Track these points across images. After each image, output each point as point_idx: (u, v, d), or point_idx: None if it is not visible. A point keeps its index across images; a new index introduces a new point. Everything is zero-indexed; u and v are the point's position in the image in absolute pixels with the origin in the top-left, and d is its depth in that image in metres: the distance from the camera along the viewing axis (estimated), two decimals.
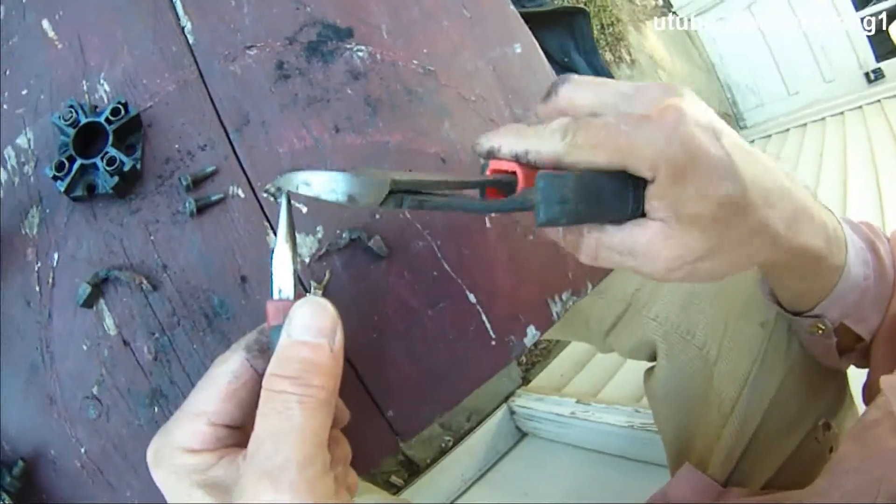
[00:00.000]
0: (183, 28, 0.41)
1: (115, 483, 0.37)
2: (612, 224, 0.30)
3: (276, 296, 0.28)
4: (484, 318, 0.41)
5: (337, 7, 0.43)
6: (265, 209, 0.39)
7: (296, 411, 0.25)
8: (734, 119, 2.79)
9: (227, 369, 0.29)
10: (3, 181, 0.39)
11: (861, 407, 0.52)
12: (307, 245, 0.39)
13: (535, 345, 1.44)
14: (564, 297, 0.44)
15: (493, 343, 0.41)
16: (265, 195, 0.39)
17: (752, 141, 2.63)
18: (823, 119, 2.34)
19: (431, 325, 0.40)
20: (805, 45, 2.31)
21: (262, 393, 0.26)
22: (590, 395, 1.15)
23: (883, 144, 1.77)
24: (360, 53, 0.43)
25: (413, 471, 1.23)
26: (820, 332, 0.44)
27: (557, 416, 1.12)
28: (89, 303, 0.37)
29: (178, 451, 0.28)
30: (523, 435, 1.26)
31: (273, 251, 0.28)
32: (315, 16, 0.43)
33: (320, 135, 0.40)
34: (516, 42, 0.47)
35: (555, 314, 0.43)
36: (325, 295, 0.38)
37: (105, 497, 0.37)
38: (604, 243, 0.31)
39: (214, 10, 0.42)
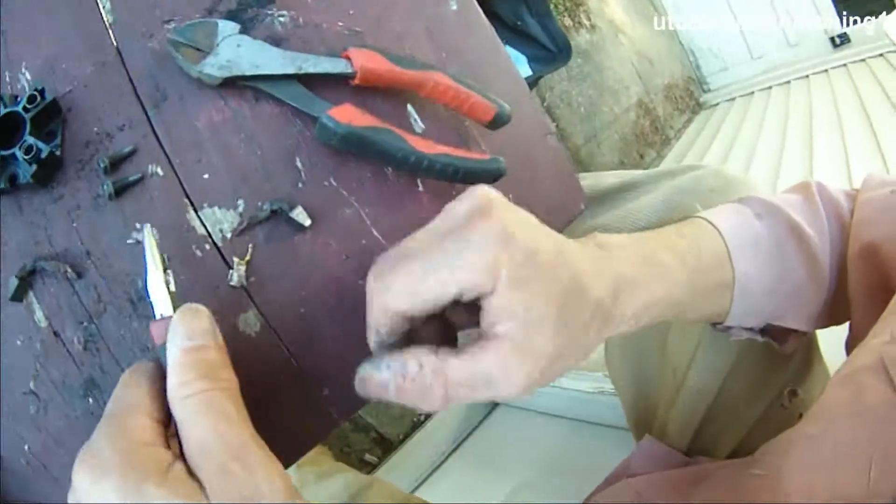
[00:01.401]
0: (102, 7, 0.41)
1: (60, 477, 0.37)
2: (449, 356, 0.28)
3: (157, 318, 0.29)
4: None
5: None
6: (184, 185, 0.38)
7: (221, 402, 0.26)
8: (697, 82, 2.81)
9: (145, 372, 0.29)
10: None
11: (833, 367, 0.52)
12: (228, 220, 0.38)
13: None
14: None
15: None
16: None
17: (717, 104, 2.67)
18: (788, 83, 2.35)
19: (363, 297, 0.38)
20: (770, 8, 2.31)
21: (177, 406, 0.26)
22: None
23: (849, 107, 1.77)
24: (282, 19, 0.42)
25: (386, 448, 1.26)
26: (744, 336, 0.45)
27: None
28: (18, 296, 0.37)
29: (138, 447, 0.25)
30: (495, 405, 1.30)
31: (146, 279, 0.30)
32: None
33: (238, 106, 0.40)
34: (452, 0, 0.45)
35: None
36: (248, 270, 0.38)
37: (52, 492, 0.37)
38: (451, 381, 0.28)
39: None
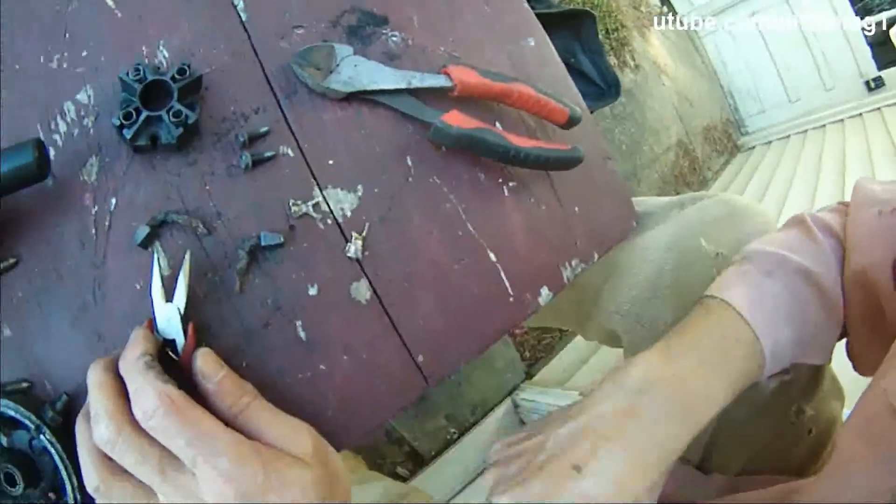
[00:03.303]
0: (236, 6, 0.48)
1: None
2: None
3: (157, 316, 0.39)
4: (503, 275, 0.49)
5: None
6: (311, 167, 0.46)
7: (259, 406, 0.37)
8: (736, 125, 2.96)
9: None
10: (62, 132, 0.44)
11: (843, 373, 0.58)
12: (348, 200, 0.46)
13: (539, 341, 1.57)
14: (574, 263, 0.52)
15: (511, 299, 0.49)
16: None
17: (754, 147, 2.80)
18: (824, 126, 2.50)
19: (457, 279, 0.47)
20: (807, 52, 2.48)
21: (238, 422, 0.35)
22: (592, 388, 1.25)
23: (882, 151, 1.89)
24: (395, 38, 0.51)
25: (418, 462, 1.30)
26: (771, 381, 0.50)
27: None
28: (146, 244, 0.42)
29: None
30: (524, 424, 1.35)
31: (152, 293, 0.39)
32: (355, 3, 0.51)
33: (360, 107, 0.48)
34: (530, 36, 0.57)
35: (566, 278, 0.51)
36: (363, 246, 0.45)
37: None
38: None
39: None
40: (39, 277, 0.42)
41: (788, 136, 2.68)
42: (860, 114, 2.40)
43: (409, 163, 0.48)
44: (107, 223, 0.43)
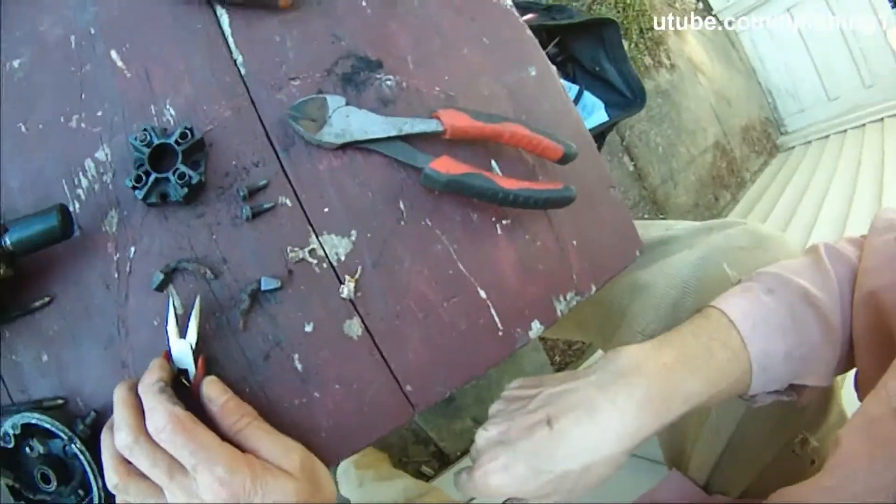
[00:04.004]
0: (235, 61, 0.52)
1: None
2: None
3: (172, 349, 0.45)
4: (493, 311, 0.52)
5: (368, 41, 0.54)
6: (308, 215, 0.50)
7: (257, 426, 0.43)
8: (775, 124, 2.88)
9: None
10: (84, 187, 0.50)
11: (851, 405, 0.58)
12: (342, 245, 0.50)
13: (570, 346, 1.60)
14: (569, 296, 0.55)
15: (501, 334, 0.52)
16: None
17: (793, 147, 2.73)
18: (863, 125, 2.44)
19: (446, 316, 0.51)
20: (845, 49, 2.41)
21: (240, 438, 0.42)
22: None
23: None
24: (389, 82, 0.54)
25: (443, 462, 1.37)
26: (769, 400, 0.51)
27: None
28: (161, 287, 0.47)
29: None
30: None
31: (167, 330, 0.45)
32: (350, 49, 0.54)
33: (354, 155, 0.51)
34: (531, 65, 0.58)
35: (559, 311, 0.54)
36: (356, 287, 0.49)
37: None
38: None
39: (262, 44, 0.52)
40: (71, 314, 0.48)
41: (828, 136, 2.61)
42: None
43: (402, 206, 0.51)
44: (128, 269, 0.48)
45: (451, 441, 1.38)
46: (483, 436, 0.47)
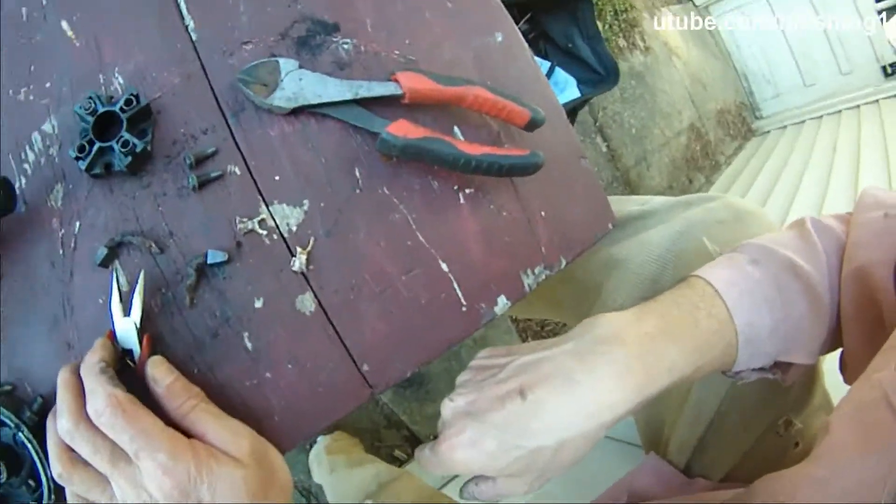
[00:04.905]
0: (187, 27, 0.51)
1: None
2: None
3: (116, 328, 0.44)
4: (455, 285, 0.49)
5: (325, 4, 0.52)
6: (258, 183, 0.48)
7: (204, 409, 0.41)
8: (750, 108, 2.93)
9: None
10: (31, 161, 0.49)
11: (834, 387, 0.57)
12: (294, 216, 0.48)
13: (542, 327, 1.59)
14: (537, 270, 0.52)
15: (464, 309, 0.49)
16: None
17: (769, 131, 2.78)
18: (839, 112, 2.48)
19: (405, 290, 0.48)
20: (822, 36, 2.46)
21: (187, 421, 0.40)
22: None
23: None
24: (346, 46, 0.52)
25: (416, 445, 1.32)
26: (754, 377, 0.49)
27: None
28: (106, 263, 0.46)
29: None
30: None
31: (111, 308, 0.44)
32: (305, 12, 0.52)
33: (307, 121, 0.49)
34: (498, 31, 0.55)
35: (527, 286, 0.51)
36: (308, 260, 0.47)
37: None
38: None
39: (214, 8, 0.51)
40: (17, 294, 0.47)
41: (804, 122, 2.65)
42: (877, 100, 2.36)
43: (357, 174, 0.49)
44: (72, 245, 0.47)
45: (424, 425, 1.37)
46: (449, 406, 0.44)
